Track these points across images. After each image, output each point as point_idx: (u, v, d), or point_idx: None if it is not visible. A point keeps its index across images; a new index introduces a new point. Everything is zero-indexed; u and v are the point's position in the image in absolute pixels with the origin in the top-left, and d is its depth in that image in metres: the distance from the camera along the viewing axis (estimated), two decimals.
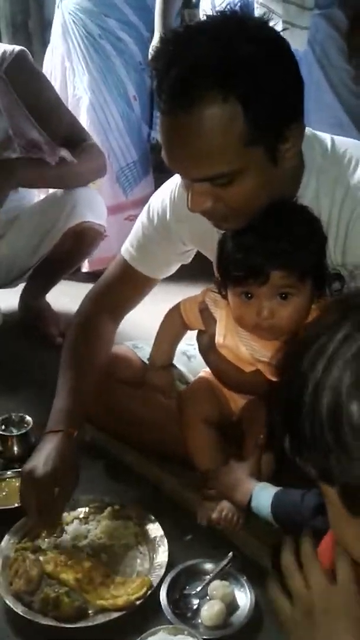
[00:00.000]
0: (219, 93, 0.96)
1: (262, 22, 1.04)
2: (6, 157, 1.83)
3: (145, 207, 1.35)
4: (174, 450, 1.40)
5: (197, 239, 1.30)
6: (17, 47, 1.85)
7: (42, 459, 1.20)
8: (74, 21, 2.29)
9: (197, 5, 2.27)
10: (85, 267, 2.37)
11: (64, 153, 1.82)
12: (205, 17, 1.04)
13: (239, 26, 1.00)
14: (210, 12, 1.97)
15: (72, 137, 1.91)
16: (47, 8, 2.79)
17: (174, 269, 1.41)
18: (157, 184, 2.42)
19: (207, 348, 1.26)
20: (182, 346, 1.54)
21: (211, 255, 1.28)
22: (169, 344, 1.35)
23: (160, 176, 2.39)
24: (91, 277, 2.36)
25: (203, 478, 1.27)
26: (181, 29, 1.04)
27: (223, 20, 1.02)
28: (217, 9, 1.91)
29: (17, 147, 1.84)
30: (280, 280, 1.07)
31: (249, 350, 1.18)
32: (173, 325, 1.32)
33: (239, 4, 1.85)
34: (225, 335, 1.20)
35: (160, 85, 1.00)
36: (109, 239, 2.14)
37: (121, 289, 1.40)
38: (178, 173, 1.09)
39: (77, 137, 1.93)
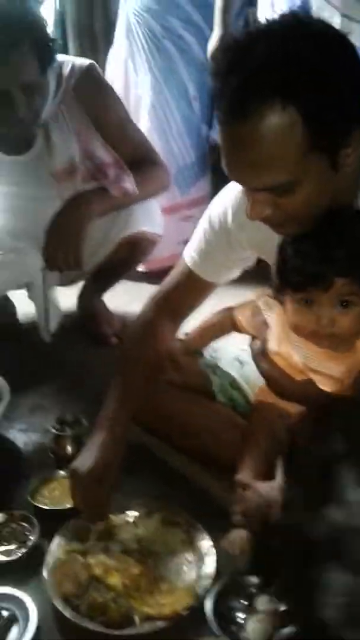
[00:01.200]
0: (278, 102, 0.94)
1: (326, 25, 1.01)
2: (67, 188, 1.84)
3: (206, 213, 1.34)
4: (224, 456, 1.39)
5: (257, 245, 1.28)
6: (87, 61, 1.84)
7: (83, 457, 1.26)
8: (137, 21, 2.29)
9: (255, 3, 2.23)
10: (142, 267, 2.38)
11: (128, 185, 1.81)
12: (265, 21, 1.01)
13: (300, 30, 0.97)
14: (268, 11, 1.94)
15: (139, 156, 1.89)
16: (112, 9, 2.80)
17: (236, 273, 1.40)
18: (215, 185, 2.42)
19: (259, 354, 1.24)
20: (235, 352, 1.53)
21: (271, 260, 1.26)
22: (210, 338, 1.36)
23: (218, 177, 2.38)
24: (147, 276, 2.38)
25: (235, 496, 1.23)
26: (241, 35, 1.01)
27: (284, 24, 0.99)
28: (276, 7, 1.87)
29: (80, 176, 1.84)
30: (343, 288, 1.06)
31: (301, 359, 1.16)
32: (222, 326, 1.34)
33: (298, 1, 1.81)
34: (278, 341, 1.18)
35: (219, 94, 0.99)
36: (165, 239, 2.14)
37: (183, 295, 1.39)
38: (236, 181, 1.07)
39: (144, 156, 1.91)
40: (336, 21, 1.68)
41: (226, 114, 0.99)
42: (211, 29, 2.30)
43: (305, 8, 1.78)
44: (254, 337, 1.27)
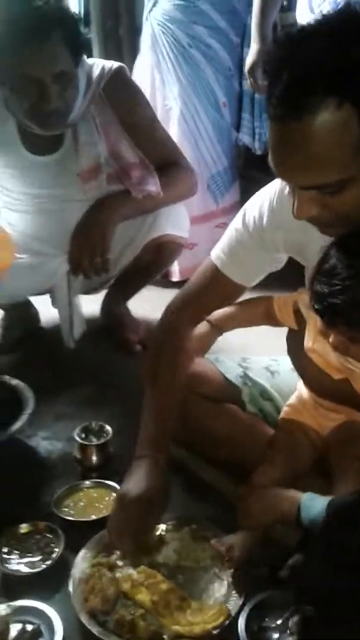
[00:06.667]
0: (333, 99, 0.91)
1: None
2: (93, 189, 1.84)
3: (240, 213, 1.30)
4: (253, 468, 1.36)
5: (293, 247, 1.25)
6: (116, 64, 1.85)
7: (132, 484, 1.20)
8: (162, 32, 2.28)
9: (290, 8, 2.20)
10: (176, 276, 2.36)
11: (152, 187, 1.80)
12: (321, 17, 0.97)
13: (357, 26, 0.93)
14: (307, 15, 1.92)
15: (166, 158, 1.88)
16: (137, 14, 2.80)
17: (263, 276, 1.36)
18: (243, 190, 2.40)
19: (297, 350, 1.21)
20: (265, 361, 1.50)
21: (306, 262, 1.23)
22: (239, 322, 1.32)
23: (246, 183, 2.36)
24: (175, 284, 2.36)
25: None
26: (295, 31, 0.97)
27: (340, 19, 0.95)
28: (316, 10, 1.84)
29: (104, 177, 1.84)
30: (343, 329, 1.03)
31: (338, 357, 1.12)
32: (254, 312, 1.31)
33: (340, 4, 1.77)
34: (314, 339, 1.15)
35: (272, 90, 0.95)
36: (199, 248, 2.12)
37: (209, 296, 1.35)
38: (285, 179, 1.03)
39: (171, 158, 1.90)
40: None
41: (278, 109, 0.95)
42: (237, 35, 2.29)
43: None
44: (290, 332, 1.24)
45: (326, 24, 0.94)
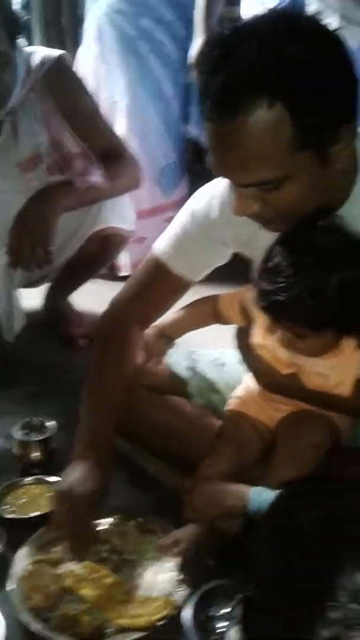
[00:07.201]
0: (265, 99, 0.93)
1: (316, 21, 0.98)
2: (32, 180, 1.80)
3: (188, 205, 1.29)
4: (198, 461, 1.35)
5: (241, 243, 1.25)
6: (57, 52, 1.82)
7: (78, 480, 1.16)
8: (108, 23, 2.24)
9: (235, 2, 2.22)
10: (126, 270, 2.32)
11: (95, 178, 1.77)
12: (254, 16, 0.98)
13: (290, 26, 0.95)
14: (253, 8, 1.93)
15: (108, 148, 1.86)
16: (79, 3, 2.76)
17: (209, 270, 1.35)
18: (191, 184, 2.39)
19: (245, 347, 1.21)
20: (212, 354, 1.49)
21: (253, 258, 1.23)
22: (187, 325, 1.32)
23: (194, 177, 2.36)
24: (121, 278, 2.33)
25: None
26: (228, 31, 0.98)
27: (273, 19, 0.97)
28: (263, 6, 1.86)
29: (45, 167, 1.80)
30: (288, 326, 1.06)
31: (286, 352, 1.13)
32: (201, 313, 1.30)
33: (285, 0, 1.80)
34: (263, 334, 1.15)
35: (206, 91, 0.96)
36: (149, 242, 2.08)
37: (153, 292, 1.33)
38: (223, 177, 1.05)
39: (114, 149, 1.88)
40: (334, 23, 1.67)
41: (212, 110, 0.97)
42: (185, 28, 2.28)
43: (298, 4, 1.78)
44: (239, 328, 1.24)
45: (258, 26, 0.96)
